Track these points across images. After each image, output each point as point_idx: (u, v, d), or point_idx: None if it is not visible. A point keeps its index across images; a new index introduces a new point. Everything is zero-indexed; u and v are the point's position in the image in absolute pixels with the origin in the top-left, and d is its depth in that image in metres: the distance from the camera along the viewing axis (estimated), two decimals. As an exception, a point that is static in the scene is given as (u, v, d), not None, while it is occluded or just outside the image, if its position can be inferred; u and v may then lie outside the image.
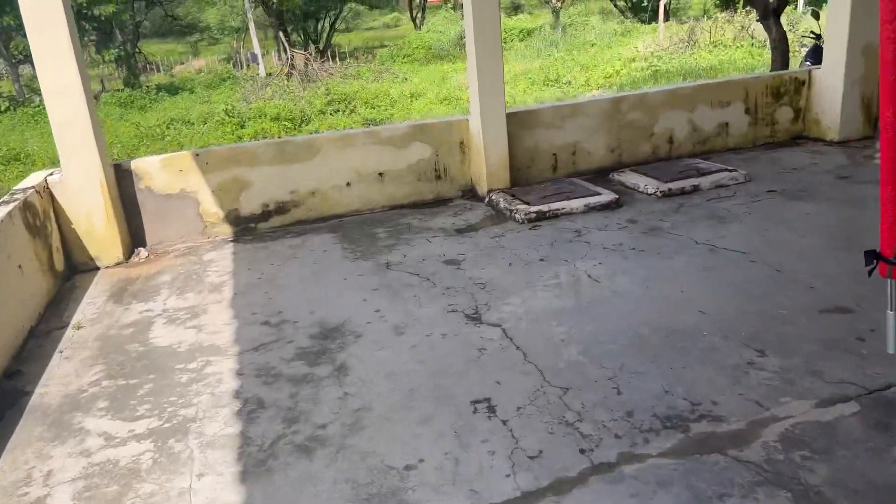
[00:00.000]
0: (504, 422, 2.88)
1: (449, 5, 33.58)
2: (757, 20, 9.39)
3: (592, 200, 5.58)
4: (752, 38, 18.05)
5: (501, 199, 5.79)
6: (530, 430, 2.81)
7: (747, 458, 2.53)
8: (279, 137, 10.57)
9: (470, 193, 6.28)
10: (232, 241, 5.61)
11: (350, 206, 5.99)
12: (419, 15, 34.04)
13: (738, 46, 17.90)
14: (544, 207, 5.48)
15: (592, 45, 21.81)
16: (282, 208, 5.83)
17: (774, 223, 4.85)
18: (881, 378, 2.93)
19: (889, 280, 2.34)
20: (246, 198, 5.72)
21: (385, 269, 4.71)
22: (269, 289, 4.55)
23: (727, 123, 6.86)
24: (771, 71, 8.72)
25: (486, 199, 5.99)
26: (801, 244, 4.45)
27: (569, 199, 5.63)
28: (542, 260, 4.60)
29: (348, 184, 5.93)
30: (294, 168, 5.78)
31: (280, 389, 3.30)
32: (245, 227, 5.76)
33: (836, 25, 6.56)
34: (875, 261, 2.30)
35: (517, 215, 5.45)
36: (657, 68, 16.43)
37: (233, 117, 14.52)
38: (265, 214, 5.80)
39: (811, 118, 7.02)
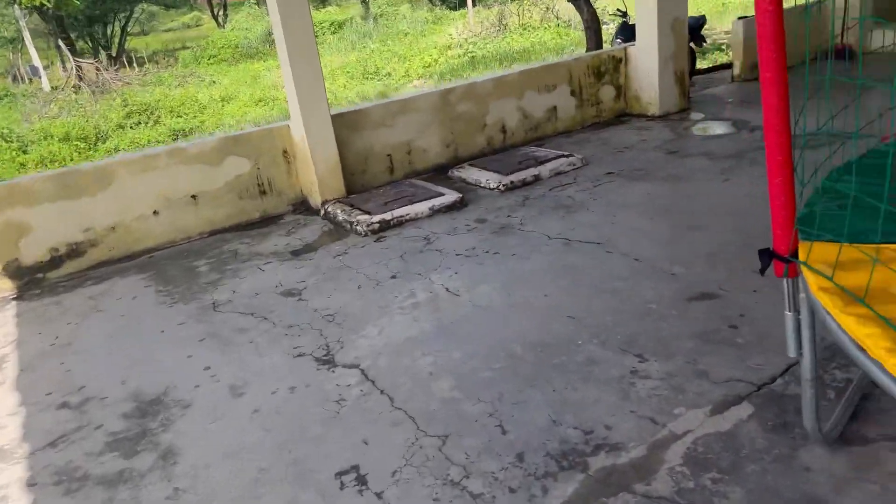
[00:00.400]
0: (379, 495, 2.40)
1: (252, 0, 31.93)
2: (567, 1, 9.50)
3: (437, 202, 5.21)
4: (558, 19, 18.71)
5: (339, 211, 5.25)
6: (412, 499, 2.35)
7: (657, 492, 2.24)
8: (65, 166, 9.19)
9: (302, 207, 5.67)
10: (14, 298, 4.60)
11: (161, 237, 5.16)
12: (221, 13, 32.02)
13: (545, 28, 18.48)
14: (387, 215, 5.02)
15: (406, 35, 21.60)
16: (76, 251, 4.88)
17: (620, 208, 4.74)
18: (764, 369, 2.79)
19: (785, 279, 2.14)
20: (27, 244, 4.72)
21: (211, 311, 4.02)
22: (66, 357, 3.71)
23: (555, 107, 6.79)
24: (587, 51, 8.87)
25: (322, 212, 5.43)
26: (650, 228, 4.36)
27: (412, 202, 5.22)
28: (393, 277, 4.14)
29: (155, 212, 5.10)
30: (85, 201, 4.85)
31: (88, 498, 2.58)
32: (31, 280, 4.76)
33: (644, 3, 6.68)
34: (770, 260, 2.08)
35: (359, 227, 4.95)
36: (473, 54, 16.51)
37: (11, 142, 12.55)
38: (55, 261, 4.82)
39: (631, 95, 7.14)
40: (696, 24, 7.97)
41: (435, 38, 20.29)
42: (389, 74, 15.80)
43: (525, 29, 18.77)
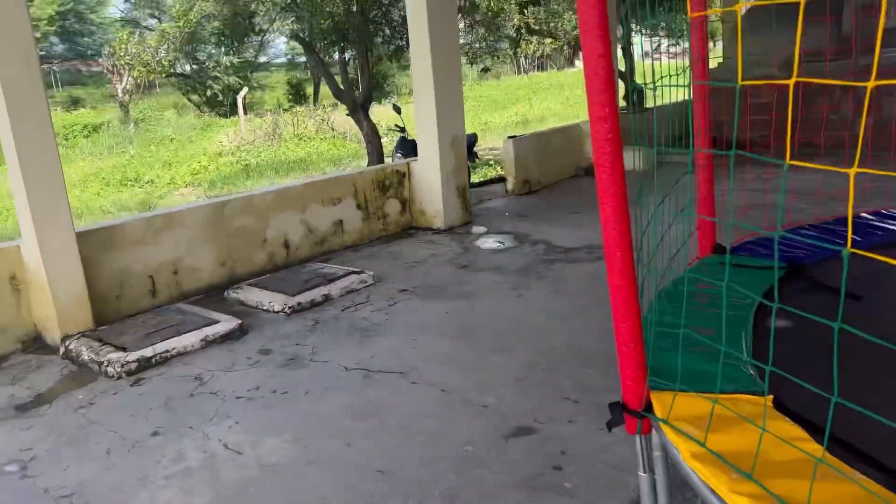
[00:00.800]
0: None
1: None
2: (347, 114, 9.48)
3: (210, 331, 4.49)
4: (333, 130, 18.92)
5: (85, 348, 4.30)
6: None
7: None
8: None
9: (36, 344, 4.60)
10: None
11: None
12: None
13: (321, 138, 18.55)
14: (148, 351, 4.19)
15: (172, 140, 20.43)
16: None
17: (420, 330, 4.43)
18: (601, 519, 2.52)
19: (638, 436, 1.88)
20: None
21: None
22: None
23: (341, 221, 6.47)
24: (368, 164, 8.81)
25: (63, 350, 4.42)
26: (454, 352, 4.08)
27: (180, 333, 4.44)
28: (156, 434, 3.34)
29: None
30: None
31: None
32: None
33: (425, 121, 6.76)
34: (622, 415, 1.82)
35: (110, 368, 4.05)
36: (247, 162, 15.94)
37: None
38: None
39: (416, 209, 7.09)
40: (470, 142, 8.32)
41: (204, 144, 19.41)
42: (152, 182, 14.57)
43: (301, 139, 18.69)
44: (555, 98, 26.45)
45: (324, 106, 21.31)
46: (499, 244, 6.25)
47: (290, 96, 30.89)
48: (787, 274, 2.62)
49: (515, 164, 8.23)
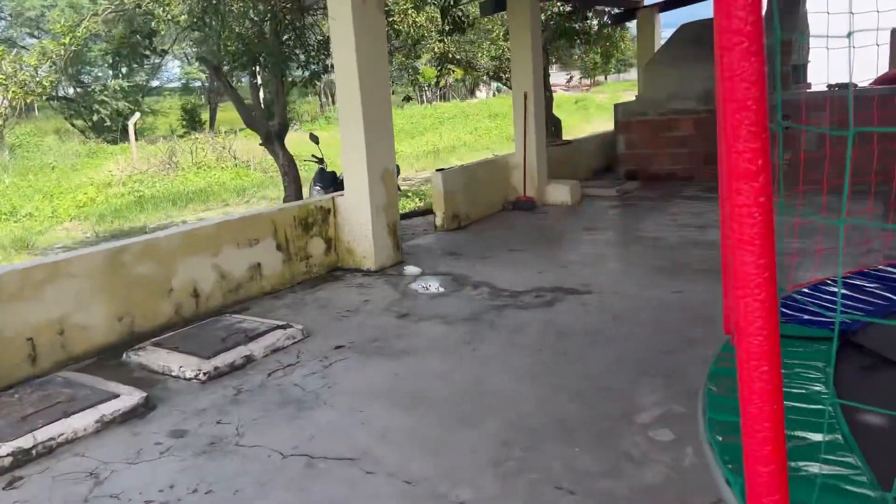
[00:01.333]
0: None
1: None
2: (260, 144, 8.72)
3: (107, 408, 3.67)
4: (236, 158, 17.88)
5: (-62, 440, 3.38)
6: None
7: None
8: None
9: None
10: None
11: None
12: None
13: (223, 167, 17.46)
14: (27, 440, 3.34)
15: (53, 169, 18.69)
16: None
17: (366, 398, 3.80)
18: None
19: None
20: None
21: None
22: None
23: (259, 264, 5.74)
24: (285, 198, 8.08)
25: None
26: (412, 426, 3.47)
27: (68, 413, 3.60)
28: (36, 567, 2.54)
29: None
30: None
31: None
32: None
33: (352, 153, 6.17)
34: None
35: (-27, 468, 3.17)
36: (141, 193, 14.66)
37: None
38: None
39: (343, 248, 6.44)
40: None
41: (90, 173, 17.85)
42: (31, 215, 13.08)
43: (200, 167, 17.52)
44: (462, 128, 26.41)
45: (222, 133, 20.17)
46: (438, 288, 5.71)
47: (185, 122, 29.35)
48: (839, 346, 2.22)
49: (445, 197, 7.75)
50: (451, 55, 11.88)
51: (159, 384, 4.11)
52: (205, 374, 4.15)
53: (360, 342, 4.62)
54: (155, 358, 4.40)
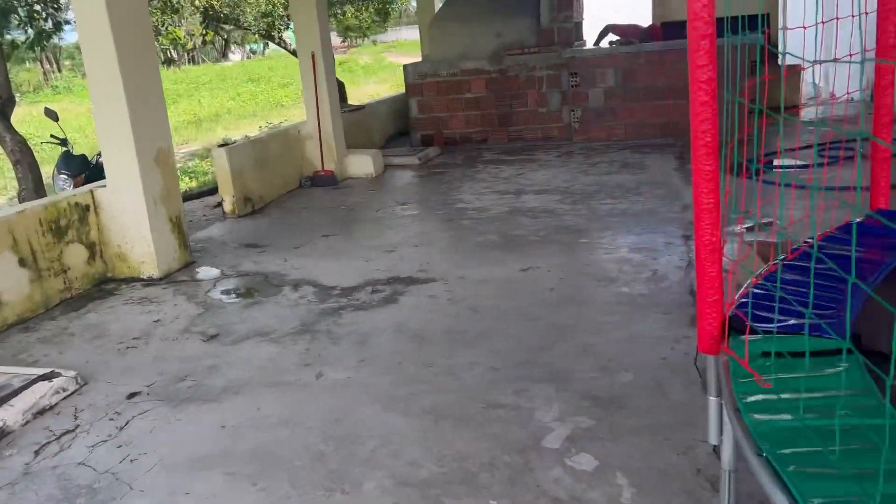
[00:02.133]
0: None
1: None
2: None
3: None
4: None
5: None
6: None
7: None
8: None
9: None
10: None
11: None
12: None
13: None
14: None
15: None
16: None
17: (188, 471, 2.79)
18: None
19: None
20: None
21: None
22: None
23: (-4, 288, 4.26)
24: (20, 193, 6.29)
25: None
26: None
27: None
28: None
29: None
30: None
31: None
32: None
33: (112, 131, 4.83)
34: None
35: None
36: None
37: None
38: None
39: (113, 253, 5.09)
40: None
41: None
42: None
43: None
44: (223, 93, 24.20)
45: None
46: (246, 293, 4.70)
47: None
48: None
49: (233, 178, 6.58)
50: (217, 12, 10.30)
51: None
52: (-71, 472, 2.82)
53: (161, 384, 3.52)
54: None
